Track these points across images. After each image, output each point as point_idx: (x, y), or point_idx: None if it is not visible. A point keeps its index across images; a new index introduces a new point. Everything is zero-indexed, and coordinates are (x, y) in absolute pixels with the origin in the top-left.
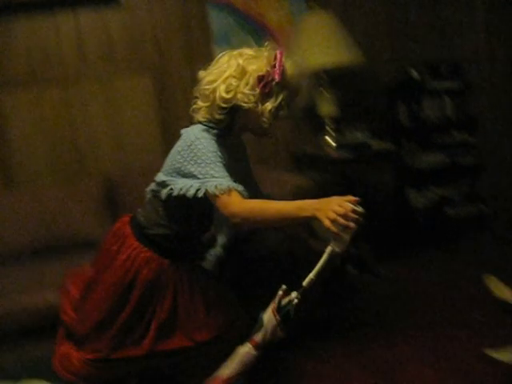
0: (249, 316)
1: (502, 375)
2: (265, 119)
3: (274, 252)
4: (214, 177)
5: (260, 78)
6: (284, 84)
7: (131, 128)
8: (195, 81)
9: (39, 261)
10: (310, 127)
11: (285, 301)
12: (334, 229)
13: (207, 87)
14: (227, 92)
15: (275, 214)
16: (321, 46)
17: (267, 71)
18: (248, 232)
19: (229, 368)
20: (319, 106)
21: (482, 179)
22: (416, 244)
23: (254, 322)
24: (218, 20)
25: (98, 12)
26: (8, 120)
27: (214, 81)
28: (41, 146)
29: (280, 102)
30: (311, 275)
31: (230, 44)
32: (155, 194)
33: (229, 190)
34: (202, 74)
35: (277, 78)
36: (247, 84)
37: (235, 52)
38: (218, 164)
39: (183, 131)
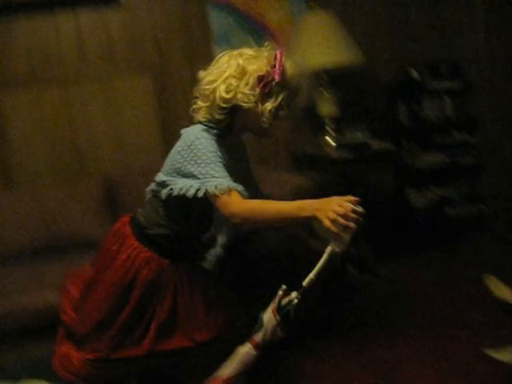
0: (249, 316)
1: (502, 375)
2: (265, 119)
3: (273, 252)
4: (214, 177)
5: (260, 78)
6: (284, 84)
7: (131, 128)
8: (195, 81)
9: (39, 261)
10: (310, 127)
11: (285, 301)
12: (334, 229)
13: (207, 87)
14: (227, 92)
15: (275, 214)
16: (321, 46)
17: (267, 71)
18: (248, 232)
19: (229, 368)
20: (319, 106)
21: (482, 179)
22: (416, 244)
23: (254, 322)
24: (217, 20)
25: (98, 12)
26: (8, 120)
27: (214, 81)
28: (41, 146)
29: (280, 102)
30: (311, 275)
31: (230, 44)
32: (155, 194)
33: (229, 190)
34: (202, 74)
35: (277, 77)
36: (247, 84)
37: (235, 52)
38: (218, 164)
39: (183, 131)
